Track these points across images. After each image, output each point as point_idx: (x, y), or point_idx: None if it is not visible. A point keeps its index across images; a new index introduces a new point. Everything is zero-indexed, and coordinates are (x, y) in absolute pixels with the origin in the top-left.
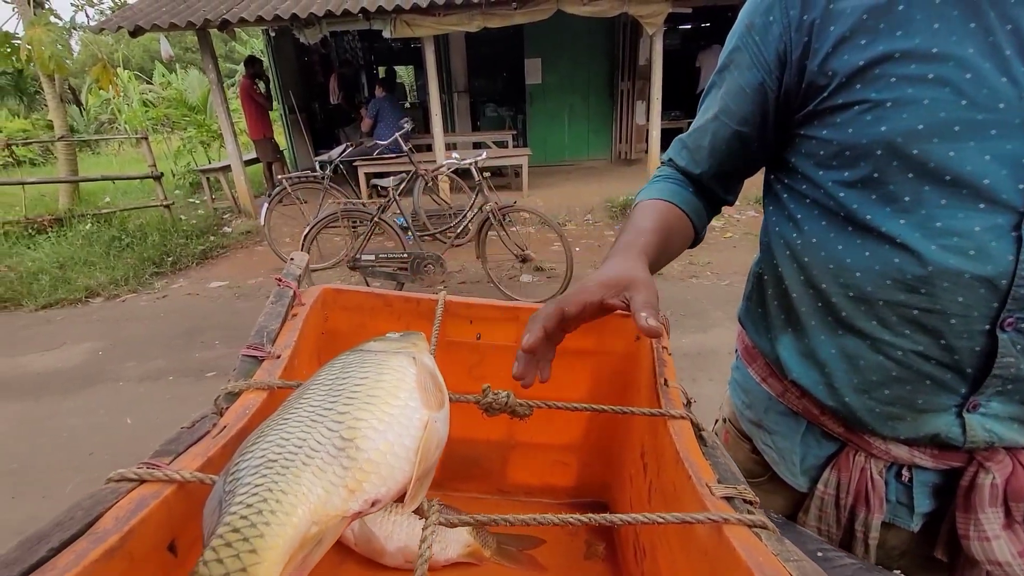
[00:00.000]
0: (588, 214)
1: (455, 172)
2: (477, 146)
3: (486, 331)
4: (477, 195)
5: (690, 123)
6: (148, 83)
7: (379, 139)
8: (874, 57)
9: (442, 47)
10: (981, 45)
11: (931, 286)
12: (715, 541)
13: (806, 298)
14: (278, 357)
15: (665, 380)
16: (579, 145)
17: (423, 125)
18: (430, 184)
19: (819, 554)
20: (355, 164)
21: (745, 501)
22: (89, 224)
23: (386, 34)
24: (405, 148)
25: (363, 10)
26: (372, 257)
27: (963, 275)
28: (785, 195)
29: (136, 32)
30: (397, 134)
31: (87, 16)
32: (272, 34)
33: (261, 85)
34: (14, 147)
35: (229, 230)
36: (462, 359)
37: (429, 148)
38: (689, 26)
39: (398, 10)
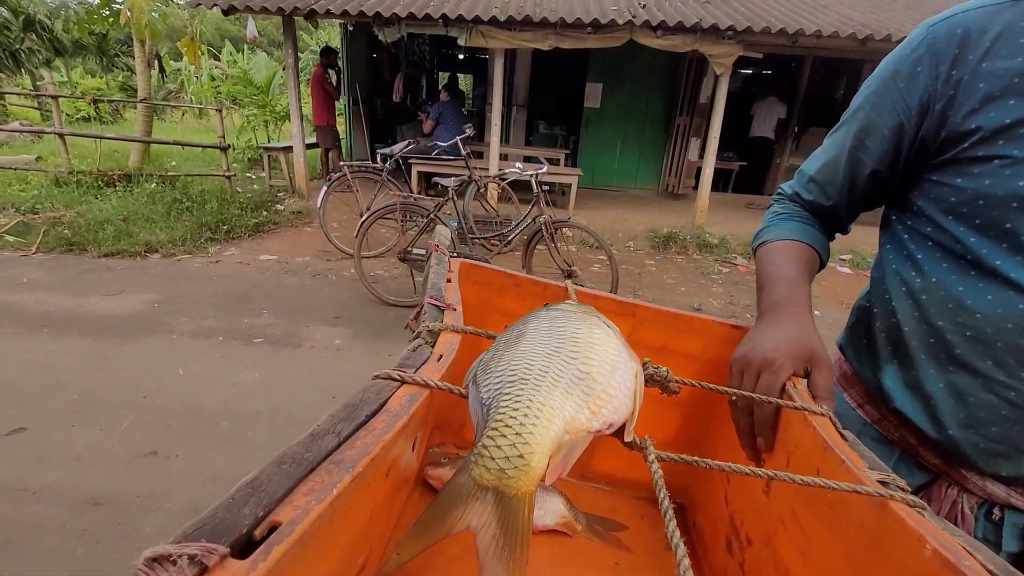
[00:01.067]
0: (630, 241)
1: (507, 182)
2: (528, 160)
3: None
4: (533, 206)
5: (742, 166)
6: (216, 60)
7: (439, 140)
8: (1020, 117)
9: (509, 61)
10: None
11: None
12: (876, 515)
13: (919, 333)
14: (455, 310)
15: (795, 384)
16: (628, 173)
17: (479, 133)
18: (481, 190)
19: None
20: (411, 161)
21: (899, 487)
22: (155, 184)
23: (461, 42)
24: (464, 152)
25: (443, 16)
26: (423, 251)
27: None
28: (906, 235)
29: (229, 11)
30: (458, 138)
31: None
32: (350, 28)
33: (332, 75)
34: (99, 103)
35: (282, 208)
36: None
37: (481, 156)
38: (751, 71)
39: (476, 20)
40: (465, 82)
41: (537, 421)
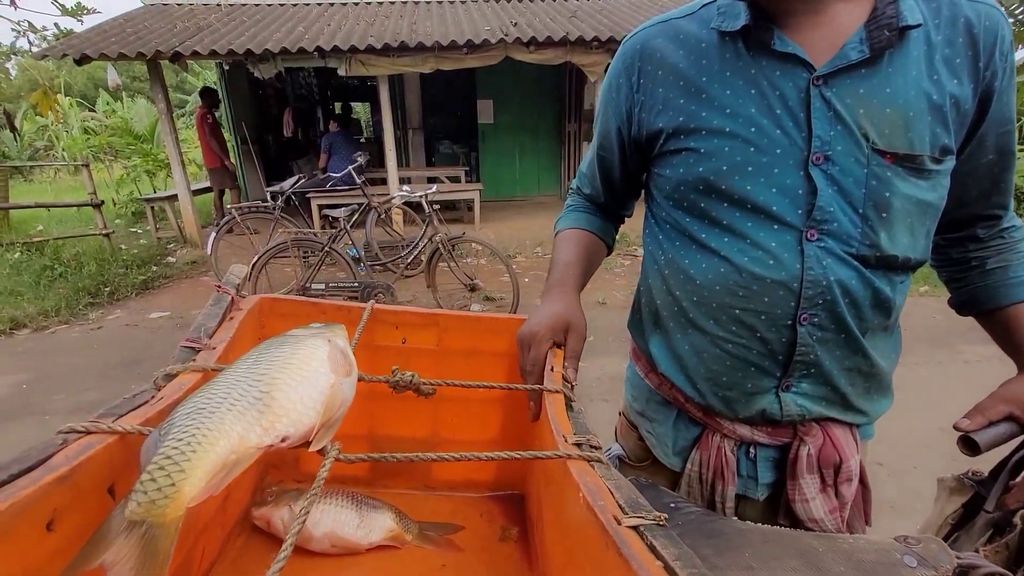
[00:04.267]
0: (538, 247)
1: (408, 205)
2: (431, 180)
3: (410, 336)
4: (427, 227)
5: None
6: (91, 111)
7: (333, 171)
8: (690, 115)
9: (397, 86)
10: (760, 106)
11: (746, 290)
12: (563, 474)
13: (667, 304)
14: (213, 348)
15: (552, 367)
16: (530, 181)
17: (378, 160)
18: (383, 216)
19: (672, 505)
20: (308, 196)
21: (591, 446)
22: (18, 253)
23: (341, 72)
24: (358, 181)
25: (318, 48)
26: (322, 286)
27: (766, 280)
28: (652, 220)
29: (83, 60)
30: (350, 167)
31: (29, 42)
32: (226, 67)
33: (220, 114)
34: None
35: (174, 260)
36: (389, 361)
37: (384, 182)
38: None
39: (353, 50)
40: (364, 110)
41: (199, 447)
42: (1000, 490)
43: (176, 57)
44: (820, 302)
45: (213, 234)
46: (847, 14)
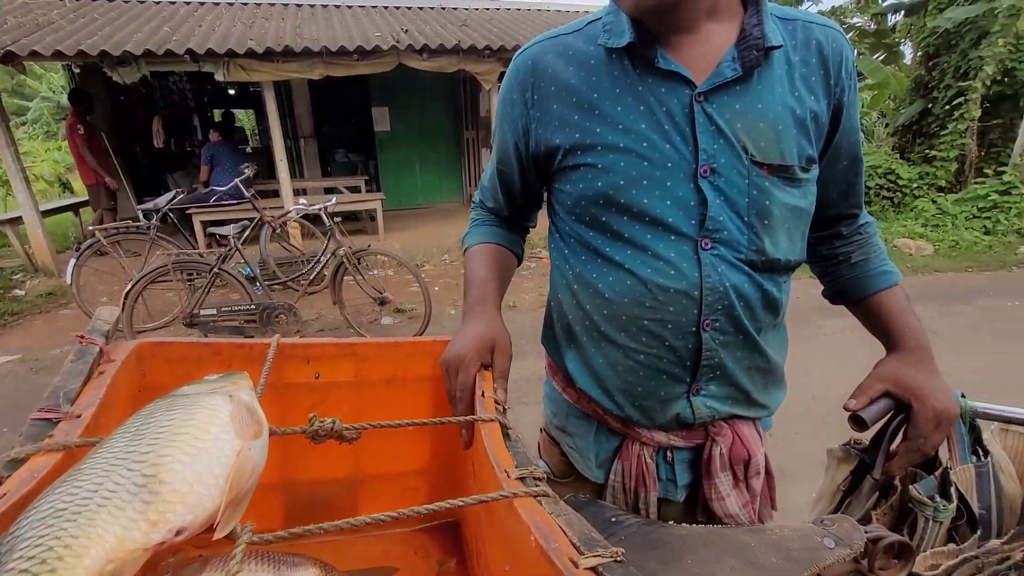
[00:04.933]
0: (445, 254)
1: (306, 218)
2: (329, 191)
3: (325, 370)
4: (329, 240)
5: None
6: None
7: (217, 185)
8: (586, 131)
9: (284, 93)
10: (649, 121)
11: (653, 300)
12: (509, 512)
13: (579, 318)
14: (78, 416)
15: (483, 392)
16: (432, 189)
17: (267, 171)
18: (278, 231)
19: (612, 519)
20: (189, 212)
21: (535, 478)
22: None
23: (219, 77)
24: (247, 194)
25: (190, 51)
26: (213, 311)
27: (670, 290)
28: (558, 235)
29: None
30: (237, 180)
31: None
32: (75, 70)
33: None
34: None
35: (22, 293)
36: (302, 400)
37: (276, 194)
38: None
39: (231, 54)
40: (248, 117)
41: (58, 564)
42: (883, 458)
43: (8, 58)
44: (719, 307)
45: (72, 261)
46: (720, 34)
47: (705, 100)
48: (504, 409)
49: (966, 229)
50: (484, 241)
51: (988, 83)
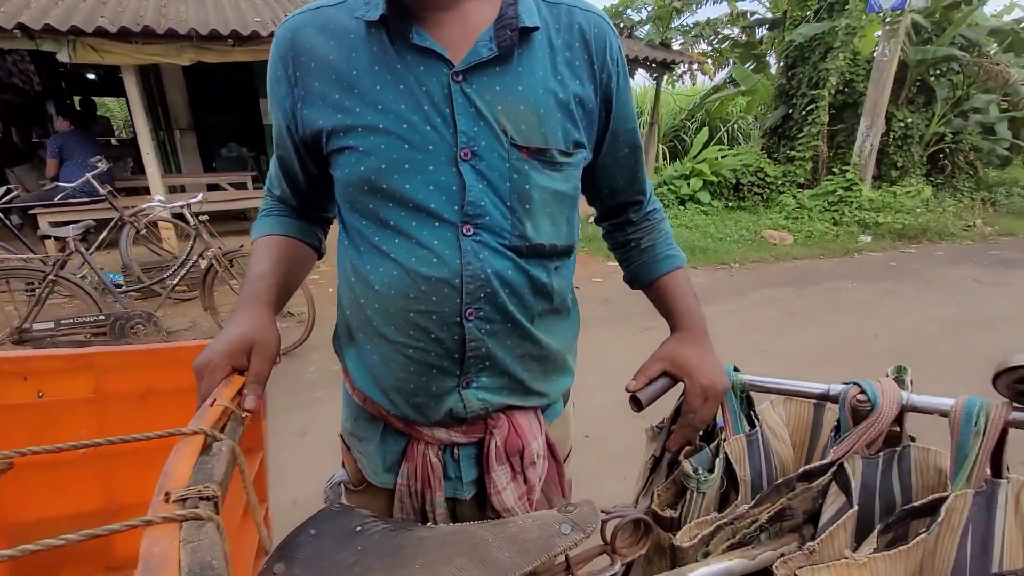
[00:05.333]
0: None
1: (178, 218)
2: (212, 188)
3: (50, 387)
4: (194, 242)
5: None
6: None
7: (65, 181)
8: (347, 112)
9: (153, 79)
10: (409, 102)
11: (416, 291)
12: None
13: (357, 315)
14: None
15: (214, 399)
16: None
17: (140, 166)
18: (143, 232)
19: (357, 528)
20: (33, 212)
21: (202, 497)
22: None
23: (63, 58)
24: (102, 191)
25: (21, 26)
26: (51, 325)
27: (431, 279)
28: (342, 226)
29: None
30: (89, 175)
31: None
32: None
33: None
34: None
35: None
36: (23, 424)
37: (149, 191)
38: None
39: (77, 31)
40: (120, 106)
41: None
42: (664, 436)
43: None
44: (482, 295)
45: None
46: (479, 12)
47: (464, 80)
48: (244, 416)
49: (819, 221)
50: (270, 233)
51: (833, 92)
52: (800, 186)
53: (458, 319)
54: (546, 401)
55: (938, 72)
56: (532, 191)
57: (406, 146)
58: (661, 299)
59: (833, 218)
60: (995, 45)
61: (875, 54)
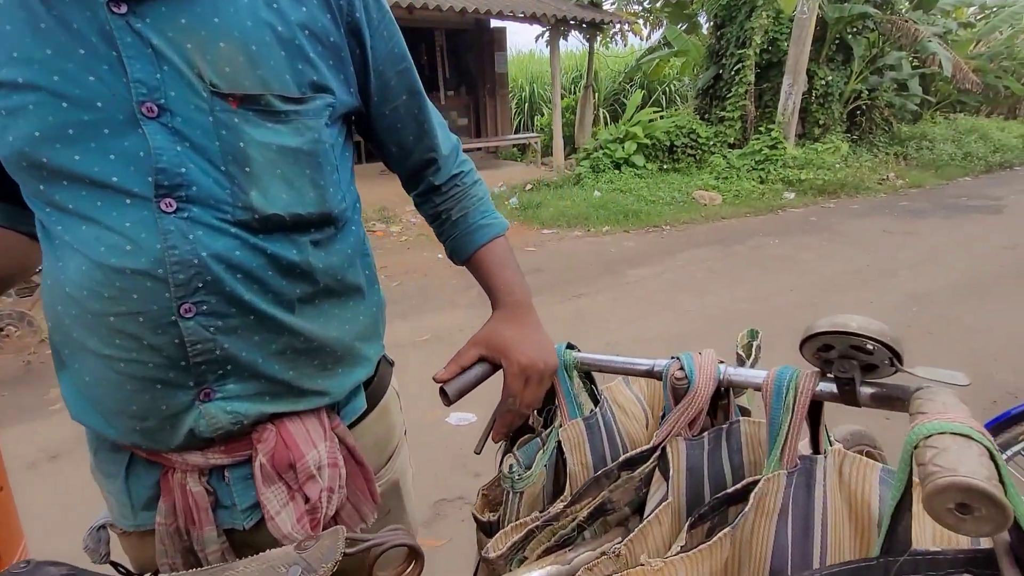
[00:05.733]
0: None
1: None
2: None
3: None
4: None
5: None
6: None
7: None
8: None
9: None
10: (56, 45)
11: (111, 289)
12: None
13: (57, 326)
14: None
15: None
16: None
17: None
18: None
19: None
20: None
21: None
22: None
23: None
24: None
25: None
26: None
27: (126, 272)
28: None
29: None
30: None
31: None
32: None
33: None
34: None
35: None
36: None
37: None
38: None
39: None
40: None
41: None
42: (489, 427)
43: None
44: (200, 285)
45: None
46: None
47: (131, 13)
48: None
49: (747, 180)
50: None
51: (758, 51)
52: (731, 146)
53: (172, 318)
54: (329, 400)
55: (855, 30)
56: (248, 149)
57: (64, 104)
58: (479, 274)
59: (760, 176)
60: (906, 2)
61: (795, 12)
